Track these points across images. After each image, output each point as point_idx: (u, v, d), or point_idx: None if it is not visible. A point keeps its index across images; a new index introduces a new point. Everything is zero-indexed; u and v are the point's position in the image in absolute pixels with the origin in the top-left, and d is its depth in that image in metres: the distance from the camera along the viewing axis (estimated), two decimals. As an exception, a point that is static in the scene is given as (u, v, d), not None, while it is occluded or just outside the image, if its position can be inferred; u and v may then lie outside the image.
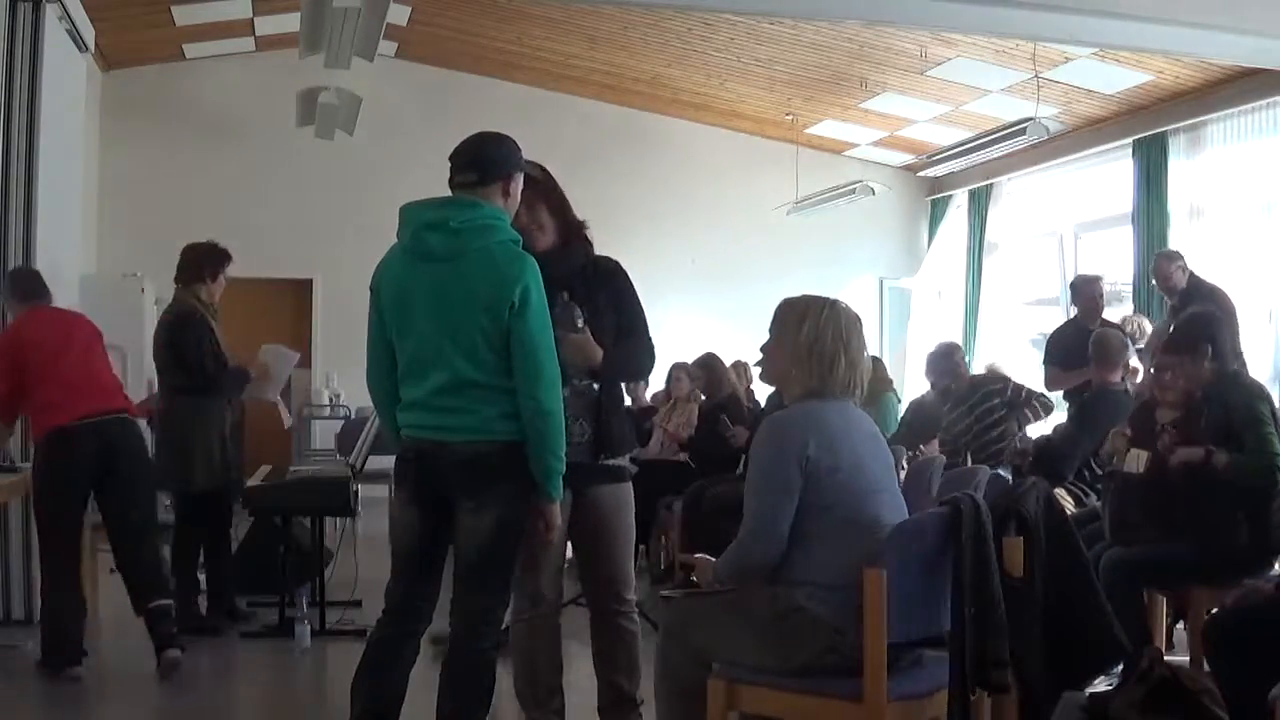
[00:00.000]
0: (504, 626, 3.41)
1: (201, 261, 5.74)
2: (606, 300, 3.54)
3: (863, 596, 2.76)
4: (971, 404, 6.48)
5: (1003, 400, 6.41)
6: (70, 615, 4.79)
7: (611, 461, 3.54)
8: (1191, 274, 7.03)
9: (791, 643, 2.91)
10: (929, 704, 2.92)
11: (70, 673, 4.71)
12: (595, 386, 3.50)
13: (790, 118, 11.66)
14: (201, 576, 5.77)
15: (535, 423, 3.13)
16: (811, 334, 3.08)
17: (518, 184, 3.27)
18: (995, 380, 6.63)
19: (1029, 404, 6.34)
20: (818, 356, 3.07)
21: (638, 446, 3.68)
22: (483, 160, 3.22)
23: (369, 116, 10.10)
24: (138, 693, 4.65)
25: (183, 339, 5.57)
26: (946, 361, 6.83)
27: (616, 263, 3.66)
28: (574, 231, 3.58)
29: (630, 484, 3.62)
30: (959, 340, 11.71)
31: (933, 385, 7.75)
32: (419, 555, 3.28)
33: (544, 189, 3.52)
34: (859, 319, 3.16)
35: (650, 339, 3.66)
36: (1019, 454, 5.92)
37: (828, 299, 3.15)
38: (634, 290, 3.64)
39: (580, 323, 3.41)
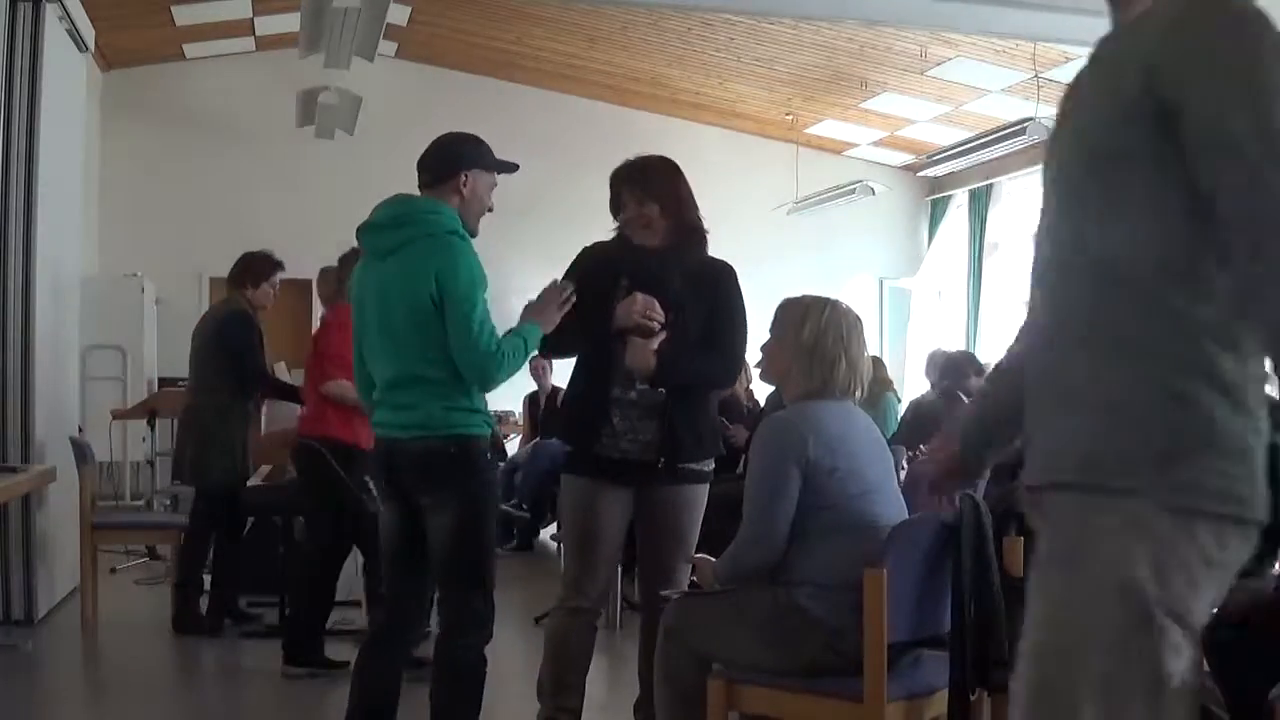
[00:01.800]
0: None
1: (246, 268, 5.81)
2: (700, 304, 3.47)
3: (863, 596, 2.76)
4: None
5: None
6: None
7: (680, 465, 3.49)
8: None
9: (791, 643, 2.91)
10: (929, 704, 2.92)
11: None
12: (662, 391, 3.43)
13: (790, 118, 11.66)
14: (204, 576, 5.77)
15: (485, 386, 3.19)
16: (812, 334, 3.07)
17: (474, 180, 3.25)
18: None
19: None
20: (818, 357, 3.07)
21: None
22: (432, 160, 3.29)
23: (369, 116, 10.10)
24: (138, 693, 4.64)
25: (231, 334, 5.62)
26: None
27: (726, 266, 3.57)
28: (689, 233, 3.52)
29: (701, 487, 3.57)
30: (959, 341, 11.73)
31: (933, 385, 7.74)
32: (402, 552, 3.31)
33: (657, 186, 3.49)
34: (859, 319, 3.16)
35: (737, 351, 3.57)
36: (1016, 454, 5.94)
37: (828, 299, 3.15)
38: (738, 298, 3.55)
39: (658, 325, 3.35)
